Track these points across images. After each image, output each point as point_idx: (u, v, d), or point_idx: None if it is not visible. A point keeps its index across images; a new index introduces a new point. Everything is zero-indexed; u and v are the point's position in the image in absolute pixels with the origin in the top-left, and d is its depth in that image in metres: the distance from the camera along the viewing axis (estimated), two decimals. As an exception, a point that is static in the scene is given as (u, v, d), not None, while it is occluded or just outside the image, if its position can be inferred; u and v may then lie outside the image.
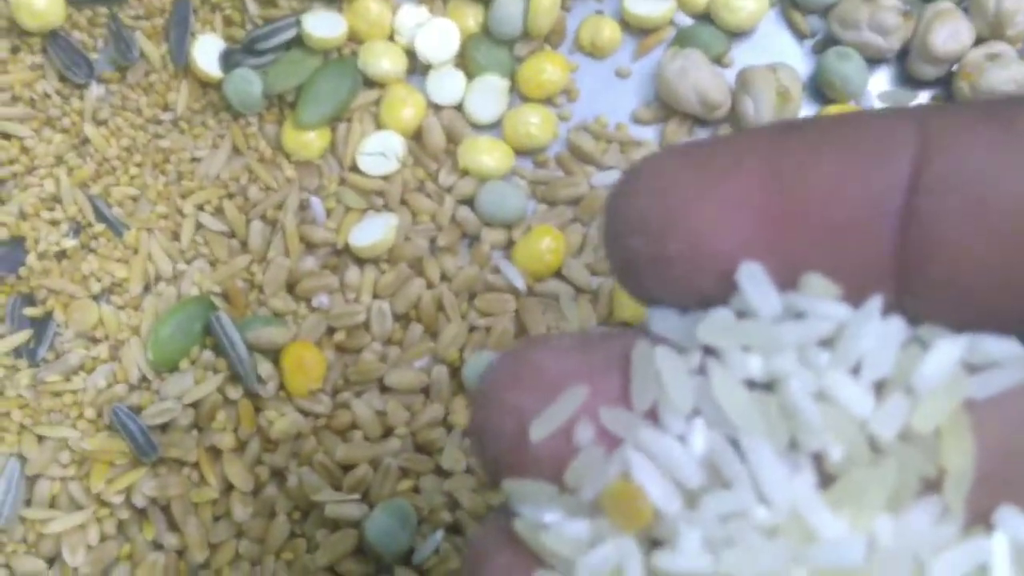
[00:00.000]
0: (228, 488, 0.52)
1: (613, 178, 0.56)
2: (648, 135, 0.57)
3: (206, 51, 0.57)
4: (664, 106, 0.56)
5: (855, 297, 0.22)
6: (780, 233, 0.22)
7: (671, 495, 0.22)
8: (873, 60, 0.56)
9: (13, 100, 0.57)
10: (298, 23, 0.56)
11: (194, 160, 0.56)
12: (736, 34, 0.58)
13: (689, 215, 0.23)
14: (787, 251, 0.22)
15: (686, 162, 0.23)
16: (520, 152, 0.56)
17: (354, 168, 0.56)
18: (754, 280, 0.22)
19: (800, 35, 0.58)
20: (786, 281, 0.22)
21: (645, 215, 0.23)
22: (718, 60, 0.57)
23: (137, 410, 0.52)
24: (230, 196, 0.56)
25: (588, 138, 0.56)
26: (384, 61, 0.56)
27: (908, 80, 0.57)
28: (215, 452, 0.52)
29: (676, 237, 0.23)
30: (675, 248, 0.23)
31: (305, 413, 0.53)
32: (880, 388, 0.22)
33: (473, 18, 0.57)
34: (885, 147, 0.22)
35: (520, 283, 0.54)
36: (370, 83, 0.57)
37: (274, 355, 0.53)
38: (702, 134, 0.56)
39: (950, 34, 0.54)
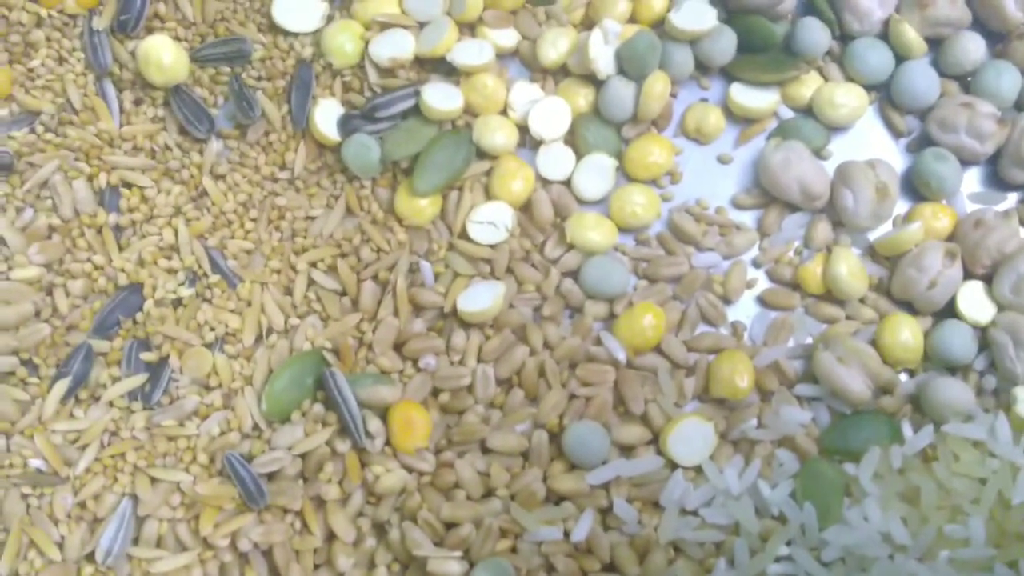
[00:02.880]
0: (330, 538, 0.54)
1: (712, 260, 0.58)
2: (747, 219, 0.59)
3: (326, 115, 0.59)
4: (764, 193, 0.59)
5: None
6: None
7: None
8: (966, 162, 0.59)
9: (135, 150, 0.59)
10: (417, 93, 0.58)
11: (308, 218, 0.59)
12: (835, 128, 0.60)
13: None
14: None
15: None
16: (624, 229, 0.59)
17: (463, 235, 0.58)
18: None
19: (896, 133, 0.61)
20: None
21: None
22: (817, 152, 0.59)
23: (248, 458, 0.54)
24: (343, 255, 0.58)
25: (690, 220, 0.59)
26: (498, 135, 0.59)
27: (998, 182, 0.60)
28: (319, 502, 0.54)
29: None
30: None
31: (409, 470, 0.54)
32: None
33: (584, 98, 0.60)
34: None
35: (622, 356, 0.56)
36: (482, 154, 0.59)
37: (382, 412, 0.55)
38: (799, 221, 0.58)
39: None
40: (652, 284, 0.58)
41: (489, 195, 0.59)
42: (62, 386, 0.54)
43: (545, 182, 0.59)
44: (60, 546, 0.53)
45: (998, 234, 0.57)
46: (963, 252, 0.57)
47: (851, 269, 0.57)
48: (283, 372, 0.55)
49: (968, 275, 0.57)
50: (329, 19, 0.61)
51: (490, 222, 0.58)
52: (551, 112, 0.59)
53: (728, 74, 0.61)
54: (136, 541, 0.54)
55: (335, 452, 0.54)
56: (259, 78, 0.60)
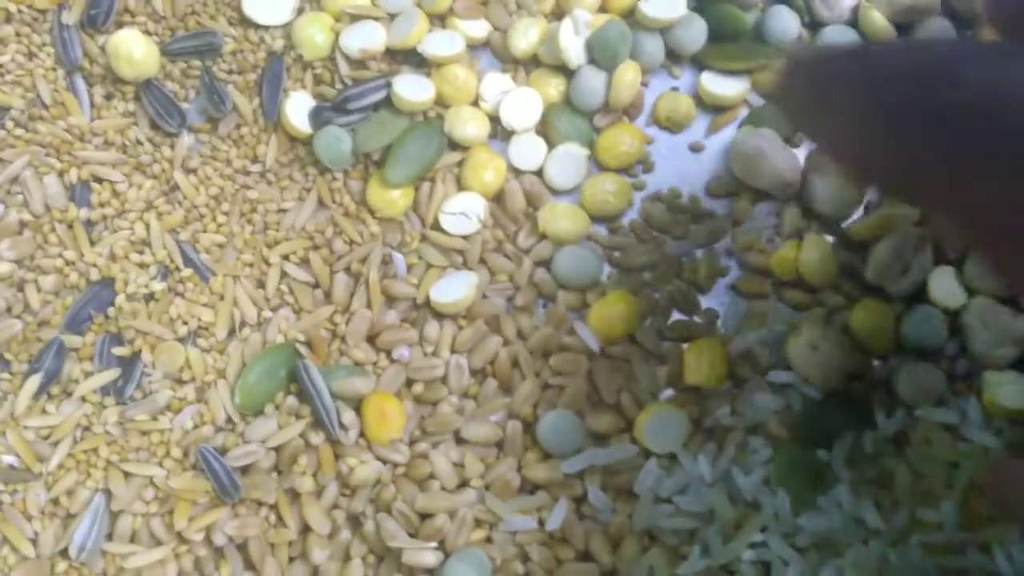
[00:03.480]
0: (305, 530, 0.54)
1: (685, 248, 0.58)
2: (719, 208, 0.59)
3: (297, 107, 0.59)
4: (736, 181, 0.59)
5: None
6: None
7: None
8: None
9: (106, 145, 0.59)
10: (388, 85, 0.58)
11: (280, 211, 0.58)
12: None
13: None
14: None
15: None
16: (596, 218, 0.59)
17: (436, 226, 0.58)
18: None
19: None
20: None
21: None
22: (788, 140, 0.59)
23: (222, 451, 0.54)
24: (315, 248, 0.58)
25: (661, 208, 0.59)
26: (470, 126, 0.59)
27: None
28: (294, 495, 0.54)
29: None
30: None
31: (384, 461, 0.54)
32: None
33: (555, 88, 0.60)
34: None
35: (595, 344, 0.56)
36: (454, 145, 0.59)
37: (356, 404, 0.55)
38: (772, 209, 0.59)
39: None
40: (626, 273, 0.58)
41: (461, 186, 0.59)
42: (34, 382, 0.54)
43: (517, 172, 0.59)
44: (33, 542, 0.53)
45: (968, 219, 0.57)
46: (934, 237, 0.57)
47: (822, 255, 0.57)
48: (256, 365, 0.55)
49: (939, 260, 0.57)
50: (299, 11, 0.60)
51: (462, 213, 0.58)
52: (522, 103, 0.59)
53: (699, 63, 0.61)
54: (110, 536, 0.54)
55: (309, 444, 0.54)
56: (230, 71, 0.60)
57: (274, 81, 0.59)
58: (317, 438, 0.54)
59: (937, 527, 0.52)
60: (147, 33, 0.60)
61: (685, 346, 0.57)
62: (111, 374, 0.55)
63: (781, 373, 0.56)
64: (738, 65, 0.60)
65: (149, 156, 0.59)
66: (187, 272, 0.57)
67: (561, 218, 0.58)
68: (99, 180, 0.58)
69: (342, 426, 0.54)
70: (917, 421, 0.54)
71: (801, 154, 0.59)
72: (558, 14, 0.61)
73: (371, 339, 0.56)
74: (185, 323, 0.56)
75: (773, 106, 0.60)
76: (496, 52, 0.61)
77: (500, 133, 0.60)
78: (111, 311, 0.56)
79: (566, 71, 0.60)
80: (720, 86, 0.60)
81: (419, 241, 0.58)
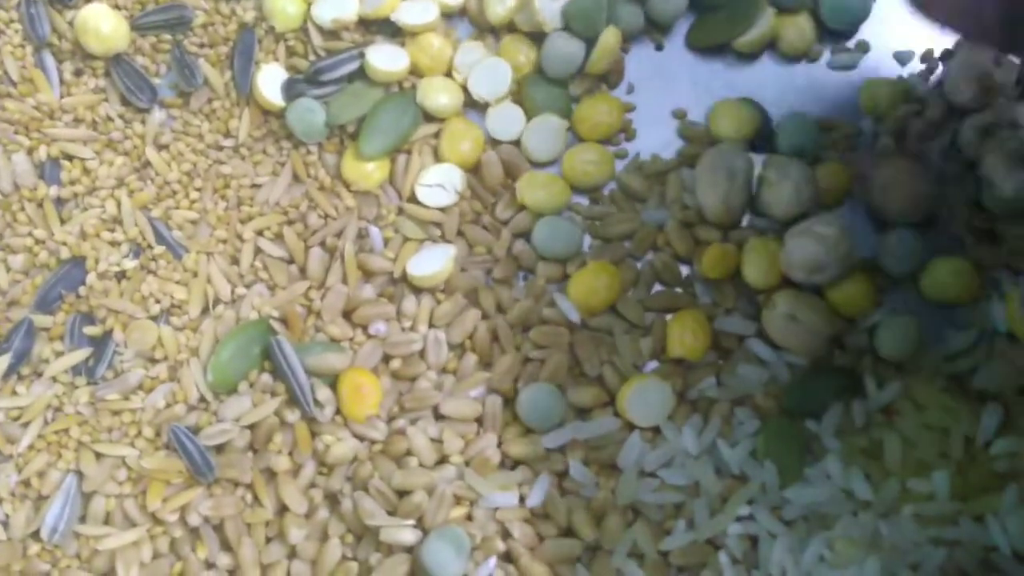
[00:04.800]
0: (282, 510, 0.53)
1: (663, 216, 0.57)
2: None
3: (269, 80, 0.58)
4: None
5: None
6: None
7: None
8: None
9: (76, 122, 0.58)
10: (361, 55, 0.57)
11: (254, 186, 0.57)
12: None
13: None
14: None
15: None
16: (577, 189, 0.58)
17: (413, 199, 0.57)
18: None
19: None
20: None
21: None
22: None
23: (195, 430, 0.53)
24: (290, 223, 0.57)
25: (638, 177, 0.58)
26: (442, 96, 0.57)
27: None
28: (270, 474, 0.53)
29: None
30: None
31: (361, 438, 0.53)
32: None
33: (525, 56, 0.59)
34: None
35: (575, 316, 0.55)
36: (431, 116, 0.58)
37: (332, 380, 0.54)
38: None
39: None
40: (606, 243, 0.57)
41: (438, 157, 0.58)
42: (3, 363, 0.53)
43: (495, 143, 0.58)
44: (5, 525, 0.52)
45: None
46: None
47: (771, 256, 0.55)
48: (229, 342, 0.53)
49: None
50: (270, -18, 0.59)
51: (439, 185, 0.57)
52: (491, 72, 0.58)
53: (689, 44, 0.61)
54: (83, 518, 0.52)
55: (284, 422, 0.53)
56: (201, 45, 0.59)
57: (246, 54, 0.58)
58: (292, 416, 0.53)
59: (928, 498, 0.51)
60: (116, 7, 0.59)
61: (668, 317, 0.56)
62: (82, 354, 0.54)
63: (762, 347, 0.55)
64: (729, 34, 0.59)
65: (120, 132, 0.58)
66: (159, 249, 0.56)
67: (540, 188, 0.56)
68: (69, 157, 0.57)
69: (317, 403, 0.53)
70: (911, 387, 0.53)
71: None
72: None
73: (347, 314, 0.55)
74: (158, 301, 0.55)
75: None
76: (473, 20, 0.60)
77: (478, 103, 0.58)
78: (82, 290, 0.55)
79: (537, 39, 0.59)
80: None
81: (396, 214, 0.57)
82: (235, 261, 0.56)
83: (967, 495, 0.51)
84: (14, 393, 0.53)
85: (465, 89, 0.58)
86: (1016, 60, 0.57)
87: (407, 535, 0.51)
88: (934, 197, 0.56)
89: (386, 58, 0.57)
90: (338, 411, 0.53)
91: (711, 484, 0.52)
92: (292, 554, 0.52)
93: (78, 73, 0.59)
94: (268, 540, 0.53)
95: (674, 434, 0.53)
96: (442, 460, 0.53)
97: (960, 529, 0.50)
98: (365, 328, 0.55)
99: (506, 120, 0.58)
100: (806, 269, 0.53)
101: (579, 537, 0.52)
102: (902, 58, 0.60)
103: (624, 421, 0.54)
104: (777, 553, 0.51)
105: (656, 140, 0.59)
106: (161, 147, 0.58)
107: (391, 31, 0.59)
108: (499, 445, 0.54)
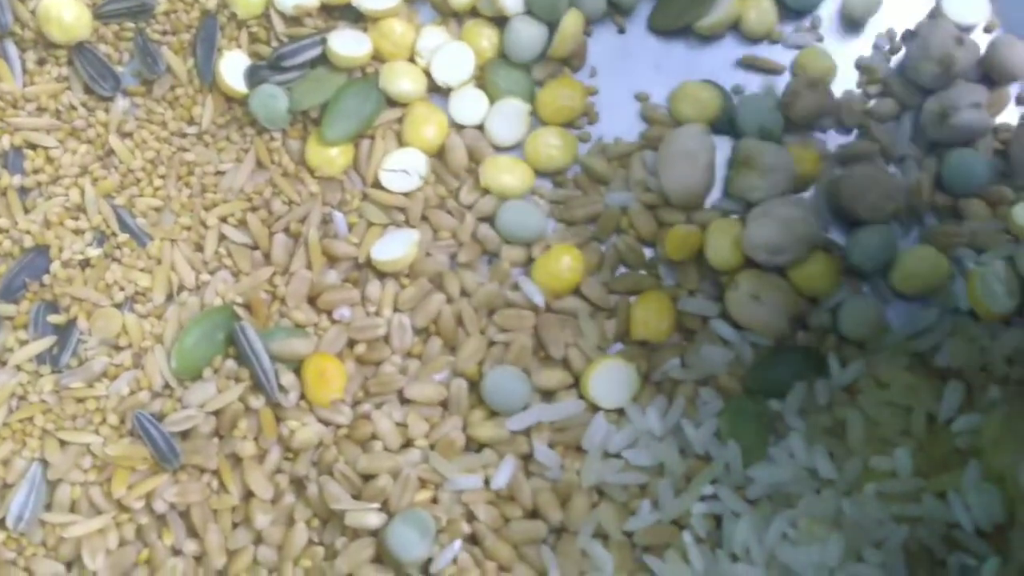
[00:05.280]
0: (248, 495, 0.53)
1: (626, 199, 0.57)
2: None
3: (232, 67, 0.57)
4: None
5: None
6: None
7: None
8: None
9: (39, 111, 0.57)
10: (324, 41, 0.57)
11: (218, 173, 0.57)
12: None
13: None
14: None
15: None
16: (541, 173, 0.58)
17: (376, 184, 0.57)
18: None
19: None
20: None
21: None
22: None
23: (160, 417, 0.53)
24: (254, 209, 0.57)
25: (601, 159, 0.58)
26: (404, 81, 0.57)
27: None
28: (236, 460, 0.53)
29: None
30: None
31: (326, 423, 0.53)
32: None
33: (488, 40, 0.59)
34: None
35: (539, 299, 0.55)
36: (394, 101, 0.58)
37: (296, 366, 0.54)
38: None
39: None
40: (570, 226, 0.57)
41: (402, 142, 0.58)
42: (-34, 351, 0.53)
43: (459, 127, 0.58)
44: (-31, 514, 0.52)
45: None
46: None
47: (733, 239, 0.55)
48: (193, 328, 0.53)
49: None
50: (233, -32, 0.59)
51: (403, 170, 0.57)
52: (453, 57, 0.58)
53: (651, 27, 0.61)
54: (49, 506, 0.52)
55: (249, 408, 0.53)
56: (164, 32, 0.59)
57: (208, 41, 0.58)
58: (257, 401, 0.53)
59: (891, 475, 0.51)
60: (78, -4, 0.58)
61: (633, 299, 0.56)
62: (46, 342, 0.54)
63: (726, 327, 0.55)
64: (689, 17, 0.59)
65: (83, 121, 0.57)
66: (123, 237, 0.56)
67: (504, 172, 0.56)
68: (32, 146, 0.57)
69: (282, 388, 0.53)
70: (874, 365, 0.53)
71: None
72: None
73: (312, 300, 0.55)
74: (122, 289, 0.55)
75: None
76: (435, 5, 0.60)
77: (442, 88, 0.58)
78: (46, 278, 0.55)
79: (499, 23, 0.59)
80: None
81: (360, 199, 0.57)
82: (199, 248, 0.56)
83: (929, 472, 0.51)
84: (-22, 382, 0.53)
85: (428, 74, 0.58)
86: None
87: (372, 519, 0.51)
88: (902, 195, 0.56)
89: (348, 43, 0.57)
90: (303, 396, 0.54)
91: (675, 464, 0.52)
92: (258, 539, 0.52)
93: (41, 62, 0.58)
94: (234, 526, 0.53)
95: (638, 415, 0.53)
96: (407, 444, 0.54)
97: (922, 506, 0.50)
98: (330, 313, 0.55)
99: (469, 104, 0.58)
100: (767, 250, 0.54)
101: (544, 519, 0.53)
102: (863, 38, 0.60)
103: (589, 403, 0.54)
104: (741, 532, 0.51)
105: (619, 123, 0.59)
106: (124, 135, 0.58)
107: (353, 16, 0.59)
108: (464, 428, 0.54)
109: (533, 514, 0.53)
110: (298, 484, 0.53)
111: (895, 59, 0.60)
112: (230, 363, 0.53)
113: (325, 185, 0.57)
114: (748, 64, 0.60)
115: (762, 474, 0.52)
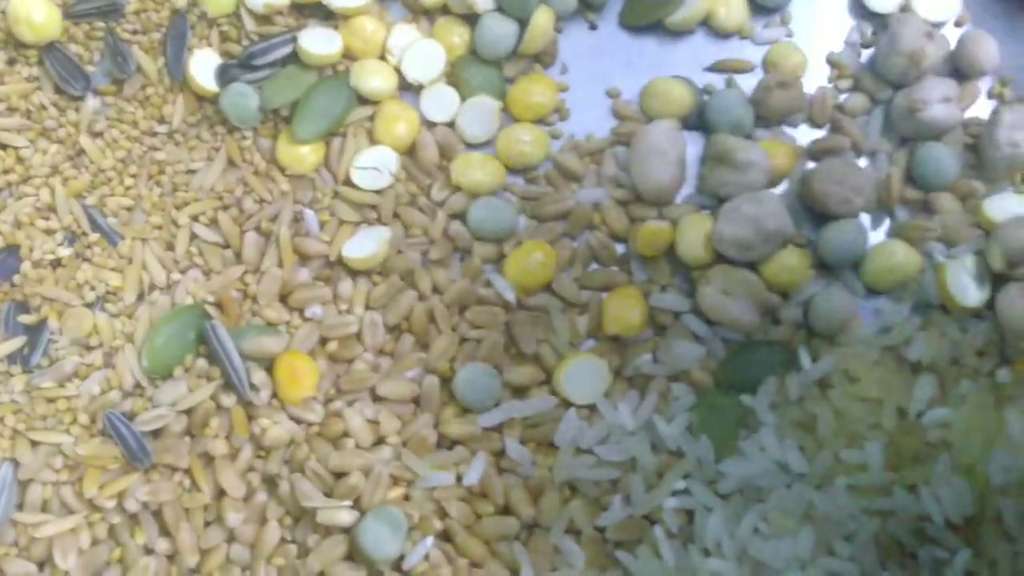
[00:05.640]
0: (220, 494, 0.53)
1: (598, 195, 0.57)
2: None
3: (202, 66, 0.57)
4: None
5: None
6: None
7: None
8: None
9: (9, 111, 0.57)
10: (294, 39, 0.57)
11: (189, 172, 0.57)
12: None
13: None
14: None
15: None
16: (513, 169, 0.58)
17: (348, 182, 0.57)
18: None
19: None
20: None
21: None
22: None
23: (130, 416, 0.53)
24: (225, 208, 0.57)
25: (573, 156, 0.58)
26: (375, 79, 0.57)
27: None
28: (207, 458, 0.53)
29: None
30: None
31: (298, 421, 0.53)
32: None
33: (459, 37, 0.59)
34: None
35: (511, 296, 0.55)
36: (365, 99, 0.58)
37: (267, 364, 0.54)
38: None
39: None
40: (542, 223, 0.57)
41: (373, 140, 0.58)
42: (-63, 352, 0.53)
43: (430, 124, 0.58)
44: (-60, 515, 0.52)
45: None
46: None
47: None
48: (163, 327, 0.53)
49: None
50: (203, -33, 0.59)
51: (374, 167, 0.57)
52: (424, 55, 0.58)
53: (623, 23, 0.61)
54: (20, 506, 0.52)
55: (220, 407, 0.53)
56: (134, 32, 0.59)
57: (178, 40, 0.58)
58: (228, 400, 0.53)
59: (862, 469, 0.51)
60: (48, -4, 0.58)
61: (604, 295, 0.56)
62: (17, 342, 0.54)
63: (697, 323, 0.55)
64: (659, 14, 0.59)
65: (54, 121, 0.57)
66: (94, 237, 0.56)
67: (475, 169, 0.57)
68: (3, 146, 0.57)
69: (253, 387, 0.53)
70: (845, 358, 0.53)
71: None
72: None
73: (283, 298, 0.55)
74: (93, 288, 0.55)
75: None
76: (406, 2, 0.60)
77: (412, 85, 0.58)
78: (16, 278, 0.55)
79: (470, 20, 0.59)
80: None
81: (331, 197, 0.57)
82: (170, 247, 0.56)
83: (900, 466, 0.51)
84: (-52, 382, 0.53)
85: (399, 72, 0.58)
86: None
87: (344, 516, 0.51)
88: (872, 189, 0.56)
89: (319, 42, 0.57)
90: (274, 394, 0.53)
91: (647, 460, 0.52)
92: (231, 538, 0.52)
93: (11, 62, 0.58)
94: (207, 524, 0.53)
95: (610, 411, 0.54)
96: (379, 441, 0.54)
97: (893, 499, 0.50)
98: (301, 311, 0.55)
99: (440, 102, 0.58)
100: (737, 246, 0.54)
101: (516, 515, 0.53)
102: (833, 33, 0.61)
103: (561, 399, 0.54)
104: (713, 526, 0.51)
105: (590, 119, 0.59)
106: (95, 134, 0.58)
107: (324, 15, 0.59)
108: (436, 425, 0.54)
109: (505, 510, 0.53)
110: (270, 482, 0.53)
111: (865, 54, 0.60)
112: (201, 362, 0.53)
113: (296, 183, 0.57)
114: (720, 68, 0.60)
115: (734, 468, 0.52)
